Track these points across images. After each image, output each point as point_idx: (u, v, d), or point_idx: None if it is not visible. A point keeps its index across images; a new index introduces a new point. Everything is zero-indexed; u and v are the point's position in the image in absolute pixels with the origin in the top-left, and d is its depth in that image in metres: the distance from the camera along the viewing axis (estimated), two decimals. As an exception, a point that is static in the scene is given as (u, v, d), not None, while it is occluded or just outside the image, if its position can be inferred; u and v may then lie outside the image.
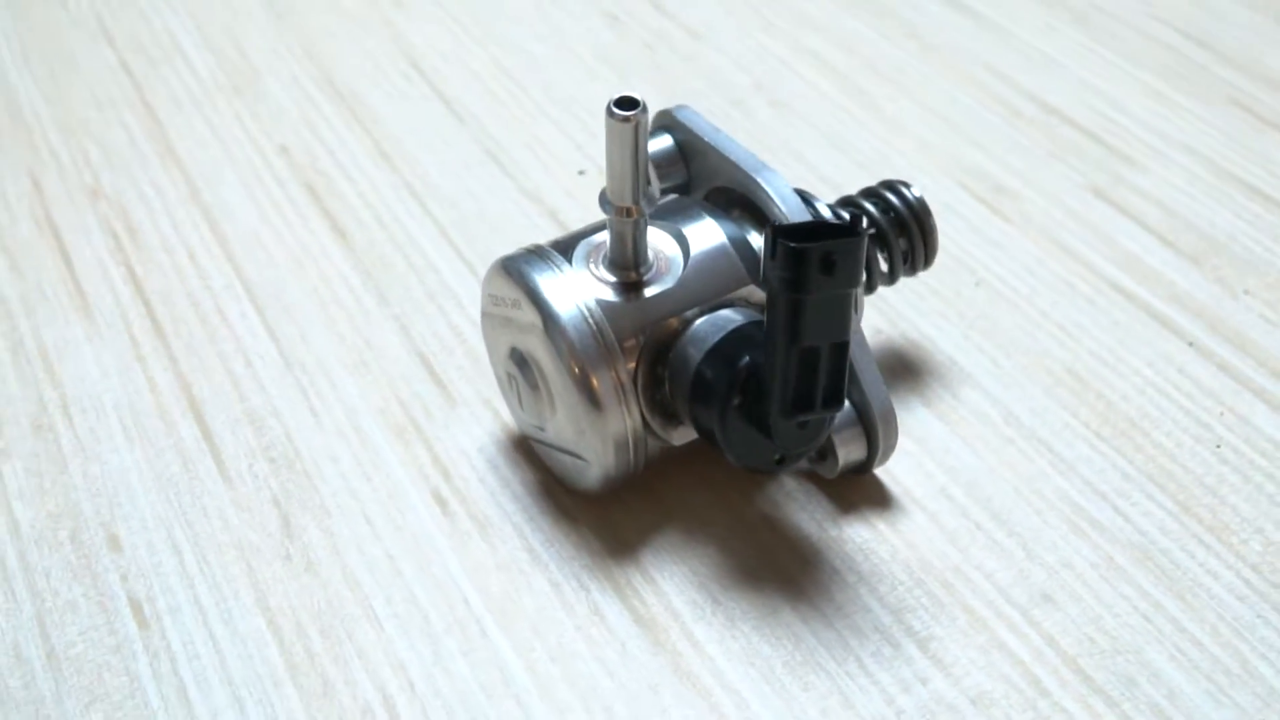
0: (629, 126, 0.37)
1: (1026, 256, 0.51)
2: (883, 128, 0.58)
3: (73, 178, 0.56)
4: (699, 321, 0.40)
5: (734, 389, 0.38)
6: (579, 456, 0.41)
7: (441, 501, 0.43)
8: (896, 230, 0.45)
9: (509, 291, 0.41)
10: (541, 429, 0.42)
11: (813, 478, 0.43)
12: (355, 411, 0.46)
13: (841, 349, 0.36)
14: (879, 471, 0.43)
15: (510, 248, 0.43)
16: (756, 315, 0.40)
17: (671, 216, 0.42)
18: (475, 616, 0.40)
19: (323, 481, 0.44)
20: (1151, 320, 0.48)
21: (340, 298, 0.51)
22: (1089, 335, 0.48)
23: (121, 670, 0.39)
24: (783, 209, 0.41)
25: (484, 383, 0.47)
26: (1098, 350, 0.47)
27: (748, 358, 0.38)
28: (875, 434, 0.41)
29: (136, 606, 0.41)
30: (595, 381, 0.39)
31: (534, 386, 0.41)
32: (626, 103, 0.37)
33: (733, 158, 0.42)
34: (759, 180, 0.42)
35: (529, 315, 0.40)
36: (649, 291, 0.40)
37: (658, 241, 0.41)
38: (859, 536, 0.42)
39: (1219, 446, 0.44)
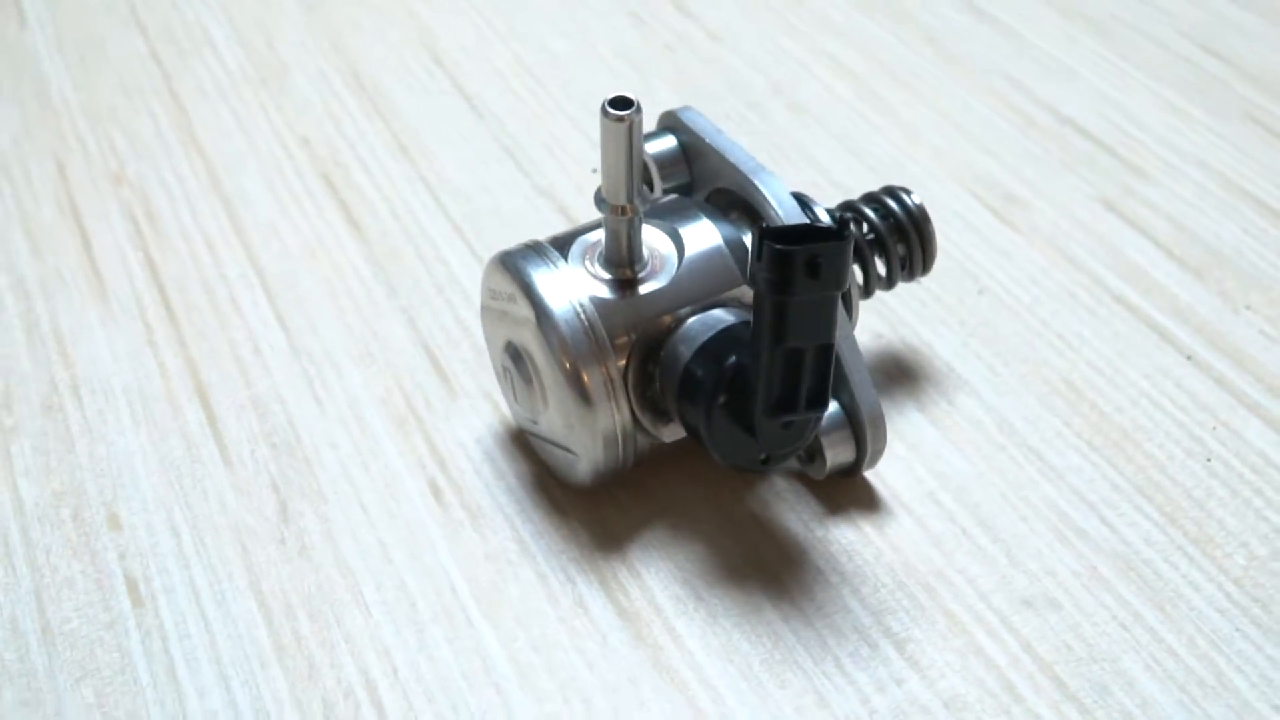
0: (623, 126, 0.38)
1: (1032, 266, 0.51)
2: (897, 133, 0.58)
3: (97, 164, 0.57)
4: (691, 320, 0.41)
5: (720, 388, 0.38)
6: (569, 450, 0.42)
7: (436, 491, 0.44)
8: (895, 236, 0.45)
9: (506, 286, 0.41)
10: (535, 422, 0.43)
11: (803, 478, 0.44)
12: (358, 400, 0.47)
13: (826, 351, 0.36)
14: (869, 474, 0.44)
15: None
16: (748, 316, 0.41)
17: (668, 216, 0.43)
18: (461, 605, 0.41)
19: (321, 468, 0.45)
20: (1151, 332, 0.48)
21: (351, 288, 0.51)
22: (1088, 346, 0.48)
23: (114, 647, 0.40)
24: (778, 211, 0.42)
25: (485, 376, 0.47)
26: (1096, 361, 0.47)
27: (735, 357, 0.39)
28: (864, 437, 0.42)
29: (132, 585, 0.41)
30: (586, 377, 0.40)
31: (528, 380, 0.42)
32: (621, 102, 0.38)
33: (732, 159, 0.43)
34: (756, 182, 0.42)
35: (524, 310, 0.41)
36: (642, 289, 0.41)
37: (653, 240, 0.42)
38: (845, 538, 0.42)
39: (1209, 460, 0.44)
